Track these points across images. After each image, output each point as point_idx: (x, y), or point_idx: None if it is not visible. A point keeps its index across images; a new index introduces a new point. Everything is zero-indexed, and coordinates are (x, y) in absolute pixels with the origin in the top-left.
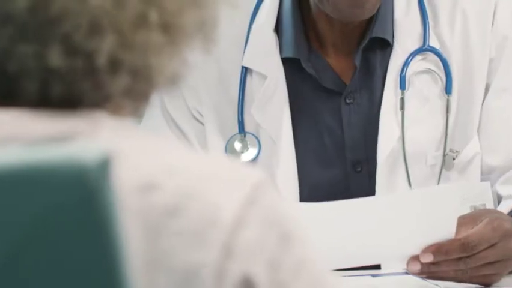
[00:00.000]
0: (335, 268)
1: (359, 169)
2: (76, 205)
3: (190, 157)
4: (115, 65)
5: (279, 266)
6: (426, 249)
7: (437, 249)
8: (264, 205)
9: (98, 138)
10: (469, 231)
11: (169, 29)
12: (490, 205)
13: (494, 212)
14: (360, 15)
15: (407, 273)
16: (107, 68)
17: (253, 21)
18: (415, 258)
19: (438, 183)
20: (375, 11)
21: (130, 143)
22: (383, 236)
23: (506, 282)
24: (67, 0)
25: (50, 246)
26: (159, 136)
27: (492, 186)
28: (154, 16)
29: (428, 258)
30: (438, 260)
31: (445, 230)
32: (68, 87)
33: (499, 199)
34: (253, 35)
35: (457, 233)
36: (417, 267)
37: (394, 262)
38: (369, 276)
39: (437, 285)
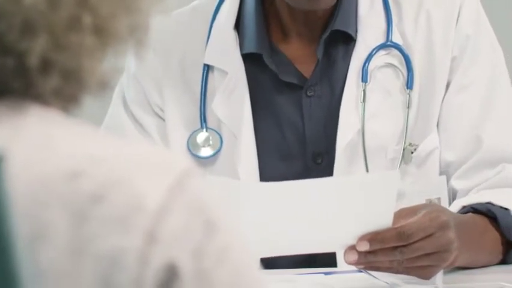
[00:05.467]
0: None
1: (319, 161)
2: None
3: (117, 145)
4: (46, 66)
5: (203, 253)
6: (362, 238)
7: (373, 237)
8: (190, 193)
9: (24, 126)
10: (406, 221)
11: (102, 33)
12: (445, 199)
13: (434, 206)
14: (316, 6)
15: (360, 271)
16: (38, 68)
17: (214, 19)
18: (352, 248)
19: None
20: (332, 3)
21: (57, 132)
22: (319, 223)
23: (446, 279)
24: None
25: None
26: (88, 125)
27: (449, 181)
28: (87, 19)
29: (364, 247)
30: (375, 249)
31: (382, 219)
32: None
33: (454, 193)
34: (214, 33)
35: (395, 223)
36: (354, 257)
37: (330, 250)
38: (322, 275)
39: (386, 282)
